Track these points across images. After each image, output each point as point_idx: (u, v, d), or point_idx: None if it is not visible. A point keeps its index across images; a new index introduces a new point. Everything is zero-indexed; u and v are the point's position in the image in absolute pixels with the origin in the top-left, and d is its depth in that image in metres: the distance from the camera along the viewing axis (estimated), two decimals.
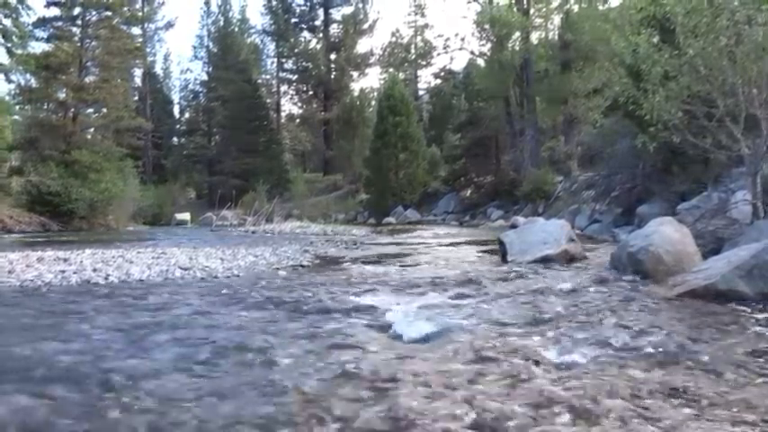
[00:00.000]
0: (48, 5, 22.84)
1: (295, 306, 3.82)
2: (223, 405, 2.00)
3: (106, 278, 5.29)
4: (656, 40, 7.52)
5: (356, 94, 38.26)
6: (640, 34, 7.40)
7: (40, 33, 22.57)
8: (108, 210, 21.07)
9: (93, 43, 23.63)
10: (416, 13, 44.08)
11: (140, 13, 34.53)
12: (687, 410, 1.89)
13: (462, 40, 32.57)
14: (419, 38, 44.34)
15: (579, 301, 3.83)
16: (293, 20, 42.23)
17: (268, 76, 43.82)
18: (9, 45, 18.80)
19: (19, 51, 19.27)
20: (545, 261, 5.98)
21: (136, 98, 34.64)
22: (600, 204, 12.96)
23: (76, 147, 21.81)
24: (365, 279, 5.24)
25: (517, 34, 23.39)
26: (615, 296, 4.02)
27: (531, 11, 23.65)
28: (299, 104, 45.32)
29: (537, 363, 2.44)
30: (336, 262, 7.32)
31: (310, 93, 43.48)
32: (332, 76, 40.66)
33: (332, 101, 39.97)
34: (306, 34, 43.08)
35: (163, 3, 41.64)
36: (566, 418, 1.84)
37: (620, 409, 1.89)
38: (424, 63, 44.61)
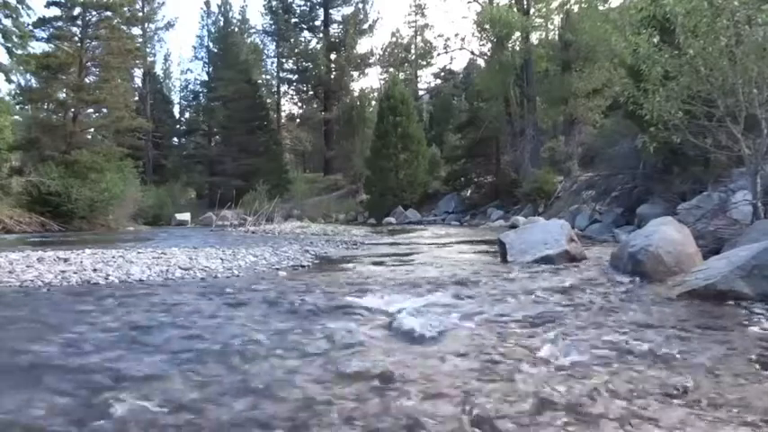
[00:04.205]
0: (48, 5, 22.81)
1: (295, 306, 3.82)
2: (224, 405, 2.00)
3: (106, 278, 5.30)
4: (656, 40, 7.51)
5: (356, 94, 38.24)
6: (640, 34, 7.40)
7: (40, 33, 22.54)
8: (108, 210, 21.03)
9: (94, 43, 23.60)
10: (416, 13, 44.20)
11: (140, 14, 34.48)
12: (687, 410, 1.89)
13: (462, 40, 32.74)
14: (419, 38, 44.47)
15: (579, 301, 3.83)
16: (293, 20, 42.20)
17: (268, 77, 43.82)
18: (9, 45, 18.76)
19: (19, 52, 19.23)
20: (545, 261, 5.98)
21: (136, 98, 34.58)
22: (600, 204, 12.96)
23: (77, 147, 21.78)
24: (365, 279, 5.25)
25: (517, 34, 23.38)
26: (615, 296, 4.02)
27: (532, 11, 23.64)
28: (299, 104, 45.36)
29: (537, 362, 2.44)
30: (337, 262, 7.32)
31: (310, 93, 43.46)
32: (332, 76, 40.61)
33: (332, 101, 39.94)
34: (306, 34, 43.11)
35: (163, 3, 41.56)
36: (566, 418, 1.84)
37: (620, 409, 1.89)
38: (424, 63, 44.68)
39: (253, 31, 44.52)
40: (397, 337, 2.96)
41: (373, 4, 53.73)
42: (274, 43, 43.12)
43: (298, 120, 44.74)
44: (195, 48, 44.58)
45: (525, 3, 23.45)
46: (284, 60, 43.37)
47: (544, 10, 23.60)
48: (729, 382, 2.15)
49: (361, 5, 41.24)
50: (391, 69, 41.97)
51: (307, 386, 2.18)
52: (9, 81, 20.19)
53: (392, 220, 24.73)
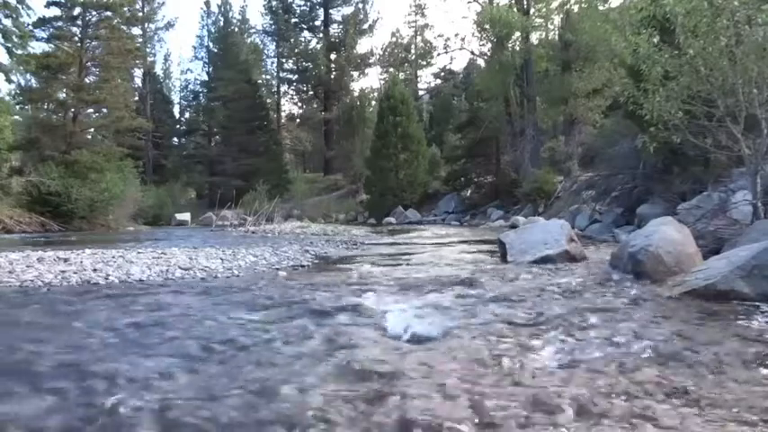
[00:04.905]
0: (48, 5, 22.80)
1: (294, 306, 3.82)
2: (223, 405, 2.00)
3: (106, 278, 5.29)
4: (656, 40, 7.51)
5: (356, 94, 38.25)
6: (640, 34, 7.40)
7: (40, 33, 22.53)
8: (108, 210, 21.03)
9: (94, 43, 23.60)
10: (416, 13, 44.22)
11: (140, 14, 34.48)
12: (687, 410, 1.89)
13: (462, 40, 32.76)
14: (419, 38, 44.49)
15: (579, 302, 3.83)
16: (293, 20, 42.22)
17: (268, 77, 43.85)
18: (9, 45, 18.75)
19: (19, 51, 19.23)
20: (545, 261, 5.98)
21: (136, 98, 34.57)
22: (600, 204, 12.96)
23: (77, 147, 21.77)
24: (365, 279, 5.24)
25: (517, 34, 23.39)
26: (615, 296, 4.02)
27: (532, 11, 23.65)
28: (299, 104, 45.39)
29: (537, 363, 2.44)
30: (336, 262, 7.32)
31: (310, 93, 43.48)
32: (332, 76, 40.62)
33: (332, 101, 39.95)
34: (306, 34, 43.14)
35: (163, 3, 41.57)
36: (566, 418, 1.84)
37: (620, 409, 1.89)
38: (424, 63, 44.69)
39: (253, 31, 44.60)
40: (397, 337, 2.96)
41: (373, 4, 53.75)
42: (274, 43, 43.16)
43: (298, 120, 44.75)
44: (195, 48, 44.68)
45: (525, 3, 23.46)
46: (284, 60, 43.39)
47: (544, 10, 23.61)
48: (729, 382, 2.15)
49: (361, 5, 41.30)
50: (391, 69, 41.99)
51: (305, 386, 2.17)
52: (9, 81, 20.21)
53: (392, 220, 24.73)
